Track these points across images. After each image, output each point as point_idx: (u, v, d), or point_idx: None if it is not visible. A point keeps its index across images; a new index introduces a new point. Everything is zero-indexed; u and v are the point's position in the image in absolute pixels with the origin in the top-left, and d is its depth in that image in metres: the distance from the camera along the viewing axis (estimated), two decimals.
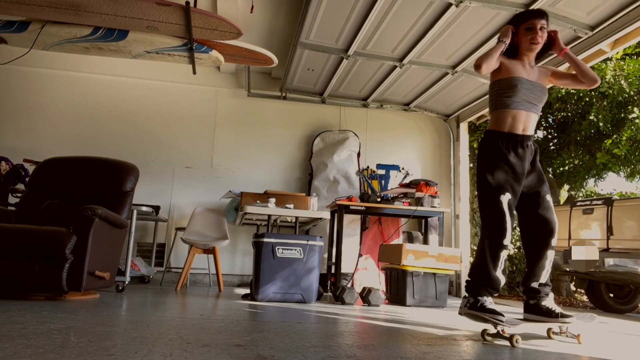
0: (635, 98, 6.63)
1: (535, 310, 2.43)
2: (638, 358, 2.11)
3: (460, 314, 2.38)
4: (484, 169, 2.38)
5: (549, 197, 2.46)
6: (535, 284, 2.43)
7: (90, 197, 3.66)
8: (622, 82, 6.39)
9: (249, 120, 6.21)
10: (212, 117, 6.14)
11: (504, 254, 2.34)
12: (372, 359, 1.67)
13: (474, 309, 2.31)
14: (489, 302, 2.32)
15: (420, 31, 4.42)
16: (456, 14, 4.07)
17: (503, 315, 2.25)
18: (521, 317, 2.50)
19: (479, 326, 2.87)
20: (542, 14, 2.43)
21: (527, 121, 2.41)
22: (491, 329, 2.29)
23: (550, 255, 2.42)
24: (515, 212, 2.42)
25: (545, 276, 2.43)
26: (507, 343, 2.21)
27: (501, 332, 2.21)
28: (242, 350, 1.65)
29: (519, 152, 2.38)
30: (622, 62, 6.59)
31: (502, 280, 2.35)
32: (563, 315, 2.37)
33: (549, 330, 2.54)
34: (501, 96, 2.42)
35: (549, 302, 2.43)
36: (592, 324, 2.45)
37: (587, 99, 7.05)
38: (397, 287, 4.40)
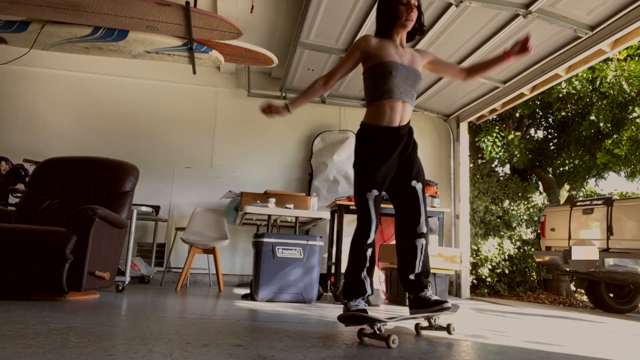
0: (637, 98, 6.63)
1: (418, 304, 2.29)
2: (638, 358, 2.11)
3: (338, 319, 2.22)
4: (356, 164, 2.29)
5: (417, 186, 2.32)
6: (412, 276, 2.30)
7: (90, 197, 3.66)
8: (623, 82, 6.39)
9: (249, 120, 6.21)
10: (212, 117, 6.14)
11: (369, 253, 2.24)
12: (372, 359, 1.67)
13: (343, 313, 2.19)
14: (355, 304, 2.21)
15: None
16: (456, 14, 4.07)
17: (367, 314, 2.13)
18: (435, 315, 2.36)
19: (477, 325, 2.87)
20: None
21: (404, 112, 2.28)
22: (368, 329, 2.09)
23: (419, 243, 2.28)
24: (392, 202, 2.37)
25: (418, 266, 2.29)
26: (383, 344, 1.99)
27: (377, 332, 2.03)
28: (242, 350, 1.65)
29: (392, 144, 2.26)
30: (623, 63, 6.59)
31: (367, 281, 2.25)
32: (438, 302, 2.22)
33: (416, 325, 2.40)
34: (374, 84, 2.28)
35: (428, 292, 2.30)
36: (456, 313, 2.32)
37: (588, 99, 7.04)
38: (397, 287, 4.40)
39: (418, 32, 2.44)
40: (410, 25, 2.33)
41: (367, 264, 2.24)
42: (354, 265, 2.25)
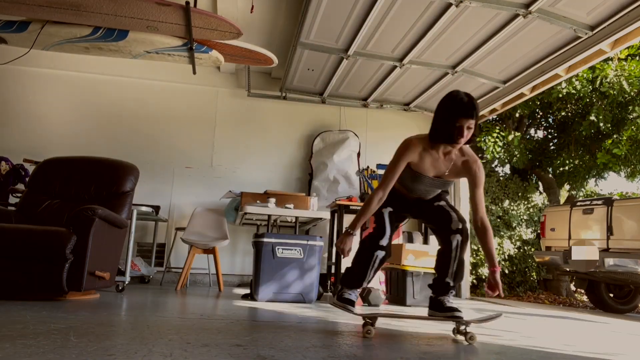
0: (637, 98, 6.63)
1: (435, 306, 2.45)
2: (638, 358, 2.11)
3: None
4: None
5: (439, 203, 2.52)
6: (448, 279, 2.42)
7: (90, 197, 3.66)
8: (623, 82, 6.39)
9: (249, 120, 6.21)
10: (212, 117, 6.14)
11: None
12: (372, 359, 1.67)
13: (335, 298, 2.48)
14: (349, 292, 2.45)
15: (420, 31, 4.42)
16: (456, 14, 4.07)
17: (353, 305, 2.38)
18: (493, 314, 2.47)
19: (476, 325, 2.87)
20: (472, 114, 2.22)
21: (423, 198, 2.53)
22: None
23: (454, 239, 2.42)
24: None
25: (452, 271, 2.42)
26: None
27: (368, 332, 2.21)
28: (242, 350, 1.65)
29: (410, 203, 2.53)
30: (623, 63, 6.59)
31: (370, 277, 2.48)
32: (452, 309, 2.37)
33: (453, 329, 2.48)
34: (403, 180, 2.45)
35: (448, 298, 2.45)
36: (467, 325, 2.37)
37: (588, 99, 7.05)
38: (397, 287, 4.40)
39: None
40: (459, 146, 2.35)
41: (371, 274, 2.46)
42: (361, 260, 2.45)
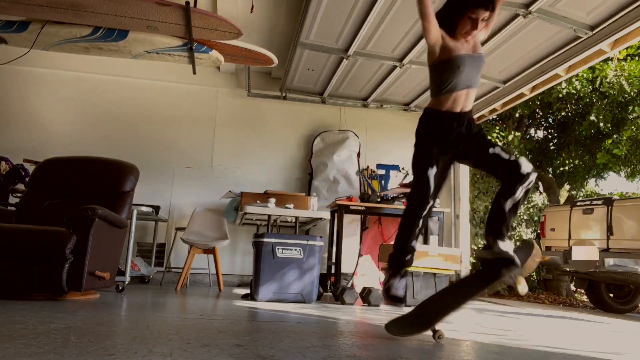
0: (636, 98, 6.63)
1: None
2: (638, 358, 2.11)
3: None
4: (416, 148, 2.35)
5: (495, 149, 2.33)
6: (509, 202, 2.28)
7: (90, 197, 3.65)
8: (623, 82, 6.39)
9: (249, 120, 6.21)
10: (212, 117, 6.14)
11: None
12: (372, 359, 1.67)
13: (384, 293, 2.34)
14: (396, 285, 2.31)
15: (421, 31, 4.41)
16: None
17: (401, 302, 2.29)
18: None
19: (477, 325, 2.87)
20: (490, 3, 2.20)
21: (466, 99, 2.31)
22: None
23: (532, 177, 2.29)
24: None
25: (522, 196, 2.28)
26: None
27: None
28: (242, 350, 1.65)
29: (456, 129, 2.29)
30: (623, 63, 6.59)
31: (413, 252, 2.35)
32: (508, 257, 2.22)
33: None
34: (444, 80, 2.29)
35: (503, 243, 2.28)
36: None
37: (588, 99, 7.04)
38: None
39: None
40: (471, 37, 2.30)
41: (417, 235, 2.33)
42: (405, 234, 2.30)
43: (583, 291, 6.51)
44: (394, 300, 2.28)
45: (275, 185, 5.98)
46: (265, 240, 3.92)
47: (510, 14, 3.96)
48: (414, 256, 2.34)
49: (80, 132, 5.77)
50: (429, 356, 1.78)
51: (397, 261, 2.32)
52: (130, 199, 3.73)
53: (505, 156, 2.28)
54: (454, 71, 2.25)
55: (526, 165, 2.24)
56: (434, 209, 2.50)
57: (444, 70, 2.28)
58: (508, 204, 2.23)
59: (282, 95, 6.22)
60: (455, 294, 2.36)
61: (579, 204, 5.34)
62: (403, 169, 6.25)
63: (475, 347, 2.12)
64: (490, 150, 2.30)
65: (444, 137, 2.29)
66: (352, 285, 4.76)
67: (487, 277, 2.25)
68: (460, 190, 6.30)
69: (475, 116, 6.28)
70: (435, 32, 2.22)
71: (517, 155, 2.31)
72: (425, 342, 2.15)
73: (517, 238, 7.16)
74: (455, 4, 2.26)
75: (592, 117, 6.65)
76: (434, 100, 2.34)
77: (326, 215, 4.35)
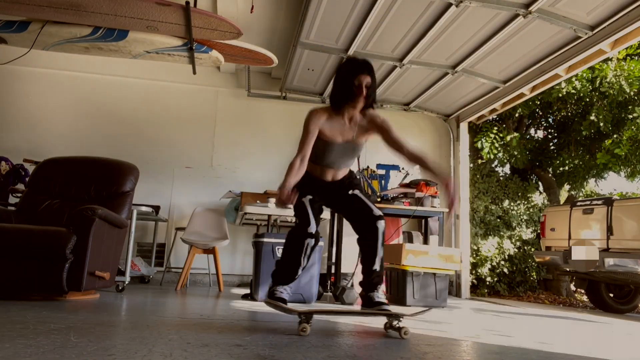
0: (636, 98, 6.63)
1: (367, 302, 2.48)
2: (638, 358, 2.11)
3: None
4: (299, 190, 2.48)
5: (354, 192, 2.60)
6: (376, 266, 2.48)
7: (90, 197, 3.66)
8: (623, 82, 6.38)
9: (249, 120, 6.21)
10: (212, 117, 6.14)
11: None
12: (372, 359, 1.67)
13: (268, 296, 2.52)
14: (280, 290, 2.50)
15: (420, 31, 4.42)
16: (456, 14, 4.07)
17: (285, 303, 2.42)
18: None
19: (476, 325, 2.87)
20: (368, 70, 2.39)
21: (335, 175, 2.59)
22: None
23: (380, 225, 2.49)
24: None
25: (378, 262, 2.47)
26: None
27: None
28: (242, 350, 1.65)
29: (325, 189, 2.59)
30: (623, 63, 6.59)
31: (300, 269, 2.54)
32: (381, 304, 2.42)
33: (385, 324, 2.44)
34: (318, 153, 2.49)
35: (377, 293, 2.49)
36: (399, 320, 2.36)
37: (588, 99, 7.04)
38: (397, 287, 4.40)
39: (369, 107, 2.52)
40: (360, 105, 2.44)
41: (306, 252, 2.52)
42: (292, 251, 2.50)
43: (583, 291, 6.51)
44: (278, 300, 2.44)
45: (275, 185, 5.92)
46: (265, 240, 3.92)
47: (510, 14, 3.97)
48: (298, 274, 2.54)
49: (80, 132, 5.77)
50: (429, 356, 1.78)
51: (282, 277, 2.53)
52: (130, 199, 3.73)
53: (363, 199, 2.55)
54: (326, 152, 2.50)
55: (376, 210, 2.49)
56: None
57: (319, 145, 2.48)
58: (376, 265, 2.45)
59: (282, 95, 6.22)
60: None
61: (579, 204, 5.34)
62: (403, 168, 6.25)
63: (475, 347, 2.12)
64: (350, 192, 2.59)
65: (315, 191, 2.58)
66: (352, 285, 4.76)
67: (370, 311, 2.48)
68: (460, 190, 6.30)
69: (475, 116, 6.30)
70: (308, 148, 2.43)
71: (372, 204, 2.55)
72: (425, 342, 2.15)
73: (517, 238, 7.16)
74: (342, 79, 2.44)
75: (592, 117, 6.65)
76: (309, 165, 2.54)
77: (326, 215, 4.35)
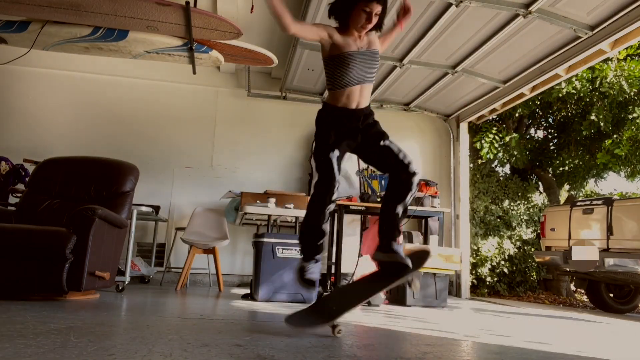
0: (636, 98, 6.62)
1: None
2: (638, 358, 2.11)
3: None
4: (317, 137, 2.42)
5: (385, 142, 2.44)
6: (400, 207, 2.39)
7: (90, 197, 3.66)
8: (623, 82, 6.38)
9: (249, 120, 6.20)
10: (212, 117, 6.14)
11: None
12: (372, 359, 1.67)
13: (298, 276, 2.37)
14: (310, 269, 2.35)
15: (420, 31, 4.42)
16: (456, 14, 4.07)
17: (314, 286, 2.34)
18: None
19: (476, 325, 2.87)
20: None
21: (361, 96, 2.40)
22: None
23: (415, 179, 2.39)
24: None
25: (408, 201, 2.40)
26: None
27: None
28: (242, 350, 1.65)
29: (351, 123, 2.39)
30: (623, 63, 6.59)
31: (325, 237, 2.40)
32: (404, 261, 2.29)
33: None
34: (336, 75, 2.38)
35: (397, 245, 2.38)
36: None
37: (588, 99, 7.04)
38: (397, 287, 4.40)
39: (376, 30, 2.48)
40: (365, 31, 2.39)
41: (328, 218, 2.38)
42: (317, 216, 2.36)
43: (583, 291, 6.51)
44: (308, 283, 2.33)
45: (275, 185, 5.98)
46: (265, 240, 3.92)
47: (510, 14, 3.96)
48: (325, 240, 2.40)
49: (80, 132, 5.77)
50: (429, 356, 1.78)
51: (310, 246, 2.37)
52: (130, 199, 3.73)
53: (395, 151, 2.38)
54: (344, 67, 2.34)
55: (413, 166, 2.35)
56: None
57: (334, 65, 2.37)
58: (399, 209, 2.35)
59: (282, 95, 6.22)
60: (354, 292, 2.45)
61: (579, 204, 5.34)
62: None
63: (475, 347, 2.12)
64: (381, 143, 2.41)
65: (340, 129, 2.38)
66: None
67: (385, 278, 2.34)
68: (460, 190, 6.30)
69: (475, 116, 6.30)
70: (301, 29, 2.33)
71: (406, 154, 2.40)
72: (425, 342, 2.15)
73: (517, 238, 7.16)
74: (352, 1, 2.33)
75: (592, 117, 6.65)
76: (330, 95, 2.43)
77: None
